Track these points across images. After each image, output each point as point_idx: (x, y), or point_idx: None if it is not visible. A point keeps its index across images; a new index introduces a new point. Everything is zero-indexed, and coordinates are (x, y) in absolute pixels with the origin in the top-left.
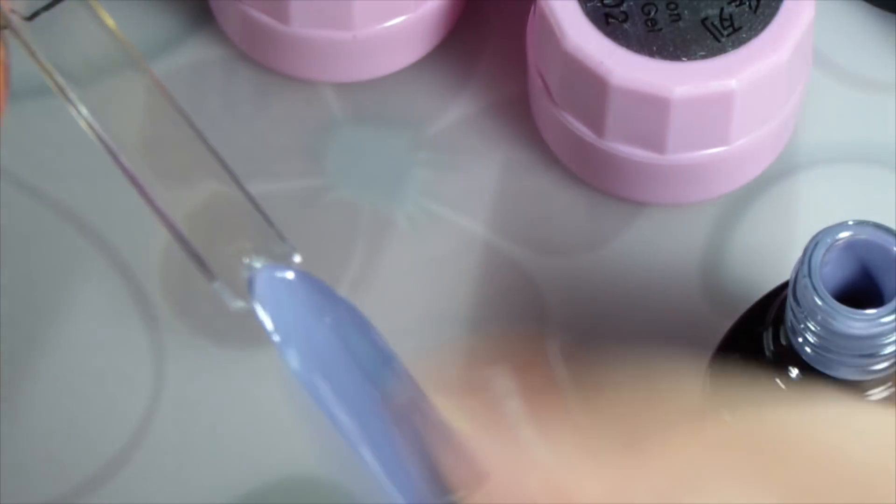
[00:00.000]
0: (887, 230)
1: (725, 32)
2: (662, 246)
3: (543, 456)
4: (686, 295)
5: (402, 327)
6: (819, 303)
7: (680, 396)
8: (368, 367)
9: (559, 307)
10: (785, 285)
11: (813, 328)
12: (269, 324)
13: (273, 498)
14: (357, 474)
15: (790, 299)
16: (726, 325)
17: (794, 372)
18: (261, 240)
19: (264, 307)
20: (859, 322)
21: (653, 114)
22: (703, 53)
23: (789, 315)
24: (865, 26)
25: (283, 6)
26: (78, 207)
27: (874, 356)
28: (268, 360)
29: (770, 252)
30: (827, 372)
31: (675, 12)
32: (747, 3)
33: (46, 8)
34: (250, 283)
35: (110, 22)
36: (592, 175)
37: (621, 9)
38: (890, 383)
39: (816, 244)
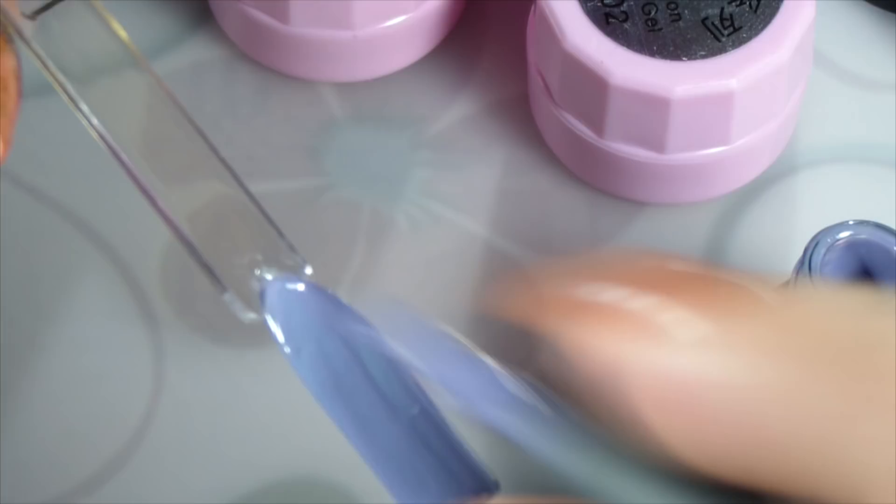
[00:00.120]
0: (888, 230)
1: (726, 32)
2: (662, 246)
3: None
4: None
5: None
6: None
7: None
8: (380, 379)
9: None
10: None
11: None
12: (280, 336)
13: (273, 498)
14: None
15: None
16: None
17: None
18: (271, 251)
19: (275, 319)
20: None
21: (653, 114)
22: (703, 53)
23: None
24: (865, 26)
25: (282, 6)
26: (78, 207)
27: None
28: (268, 360)
29: (770, 252)
30: None
31: (676, 12)
32: (748, 3)
33: (47, 7)
34: (261, 295)
35: (112, 22)
36: (592, 175)
37: (621, 8)
38: None
39: (817, 244)
